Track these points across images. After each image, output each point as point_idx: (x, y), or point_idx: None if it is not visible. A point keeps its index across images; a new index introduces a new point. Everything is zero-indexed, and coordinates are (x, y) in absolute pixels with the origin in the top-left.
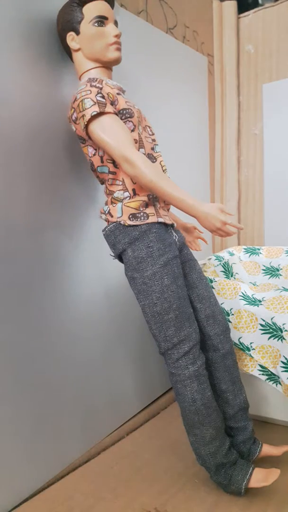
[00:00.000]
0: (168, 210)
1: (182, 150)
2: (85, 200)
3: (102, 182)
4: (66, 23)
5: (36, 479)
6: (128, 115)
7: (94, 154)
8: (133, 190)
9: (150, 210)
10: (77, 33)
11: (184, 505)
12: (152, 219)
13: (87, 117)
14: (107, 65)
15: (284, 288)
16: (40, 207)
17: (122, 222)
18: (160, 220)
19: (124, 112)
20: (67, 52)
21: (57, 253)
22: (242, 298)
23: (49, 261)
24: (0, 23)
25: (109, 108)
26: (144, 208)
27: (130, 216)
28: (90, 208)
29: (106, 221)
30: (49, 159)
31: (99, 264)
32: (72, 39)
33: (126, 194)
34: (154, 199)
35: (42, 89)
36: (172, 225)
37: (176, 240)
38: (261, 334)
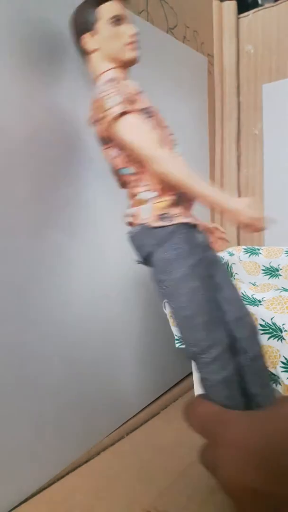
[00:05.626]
0: (192, 210)
1: (182, 150)
2: (86, 200)
3: (123, 185)
4: (82, 24)
5: (36, 479)
6: (150, 114)
7: (118, 156)
8: (159, 190)
9: (176, 210)
10: (93, 34)
11: (184, 505)
12: (179, 219)
13: (112, 116)
14: (125, 65)
15: (284, 288)
16: (40, 207)
17: (148, 224)
18: (187, 220)
19: (146, 111)
20: (81, 53)
21: (57, 253)
22: (242, 298)
23: (49, 261)
24: (0, 23)
25: (132, 107)
26: (171, 209)
27: (157, 217)
28: (91, 209)
29: (130, 223)
30: (49, 159)
31: (99, 264)
32: (88, 41)
33: (152, 195)
34: (181, 199)
35: (42, 89)
36: (197, 226)
37: (202, 241)
38: (261, 334)
